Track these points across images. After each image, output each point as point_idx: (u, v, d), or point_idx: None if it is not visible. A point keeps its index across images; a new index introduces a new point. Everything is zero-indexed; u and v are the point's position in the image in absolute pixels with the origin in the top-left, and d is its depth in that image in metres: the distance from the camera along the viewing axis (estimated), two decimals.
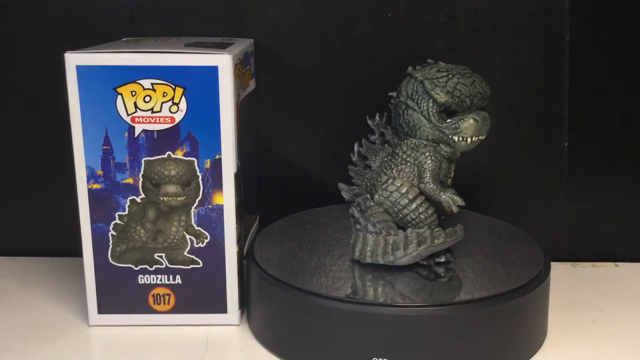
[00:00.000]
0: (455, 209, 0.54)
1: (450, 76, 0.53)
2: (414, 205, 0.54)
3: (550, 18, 0.66)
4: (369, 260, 0.54)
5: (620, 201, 0.69)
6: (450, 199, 0.54)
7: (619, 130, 0.68)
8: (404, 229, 0.55)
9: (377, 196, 0.56)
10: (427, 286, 0.52)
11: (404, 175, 0.55)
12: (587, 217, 0.70)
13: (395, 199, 0.55)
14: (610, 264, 0.69)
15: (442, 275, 0.54)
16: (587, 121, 0.68)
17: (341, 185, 0.60)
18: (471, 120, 0.53)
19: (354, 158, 0.59)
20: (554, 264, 0.57)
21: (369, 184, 0.57)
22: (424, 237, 0.53)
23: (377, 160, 0.58)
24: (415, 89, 0.54)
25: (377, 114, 0.58)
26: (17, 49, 0.68)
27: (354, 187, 0.59)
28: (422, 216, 0.54)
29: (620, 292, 0.64)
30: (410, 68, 0.56)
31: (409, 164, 0.55)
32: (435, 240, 0.53)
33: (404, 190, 0.55)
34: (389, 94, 0.57)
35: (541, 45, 0.67)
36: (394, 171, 0.55)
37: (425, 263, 0.54)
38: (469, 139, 0.53)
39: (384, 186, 0.55)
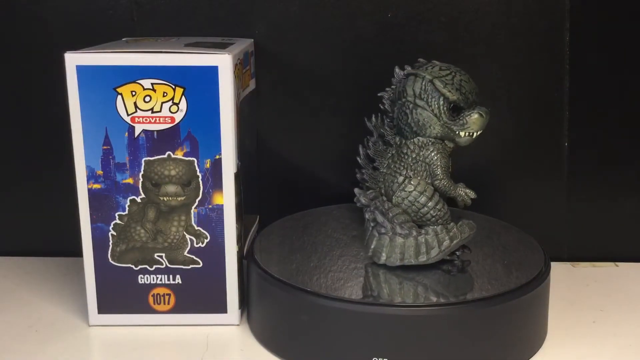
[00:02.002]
0: (469, 202, 0.55)
1: (453, 74, 0.54)
2: (431, 203, 0.55)
3: (550, 18, 0.66)
4: (398, 263, 0.54)
5: (620, 201, 0.69)
6: (464, 193, 0.55)
7: (619, 130, 0.68)
8: (420, 227, 0.55)
9: (395, 197, 0.56)
10: (445, 283, 0.53)
11: (419, 174, 0.55)
12: (587, 217, 0.70)
13: (415, 198, 0.55)
14: (610, 264, 0.69)
15: (462, 267, 0.55)
16: (587, 121, 0.68)
17: (357, 191, 0.58)
18: (477, 115, 0.53)
19: (361, 161, 0.58)
20: (554, 264, 0.57)
21: (383, 187, 0.57)
22: (454, 233, 0.54)
23: (384, 162, 0.57)
24: (423, 87, 0.54)
25: (373, 115, 0.58)
26: (17, 49, 0.67)
27: (370, 191, 0.58)
28: (440, 213, 0.55)
29: (620, 292, 0.64)
30: (397, 68, 0.56)
31: (420, 162, 0.55)
32: (462, 235, 0.53)
33: (420, 188, 0.55)
34: (379, 94, 0.57)
35: (541, 45, 0.67)
36: (408, 171, 0.55)
37: (448, 258, 0.55)
38: (474, 134, 0.54)
39: (401, 187, 0.55)
